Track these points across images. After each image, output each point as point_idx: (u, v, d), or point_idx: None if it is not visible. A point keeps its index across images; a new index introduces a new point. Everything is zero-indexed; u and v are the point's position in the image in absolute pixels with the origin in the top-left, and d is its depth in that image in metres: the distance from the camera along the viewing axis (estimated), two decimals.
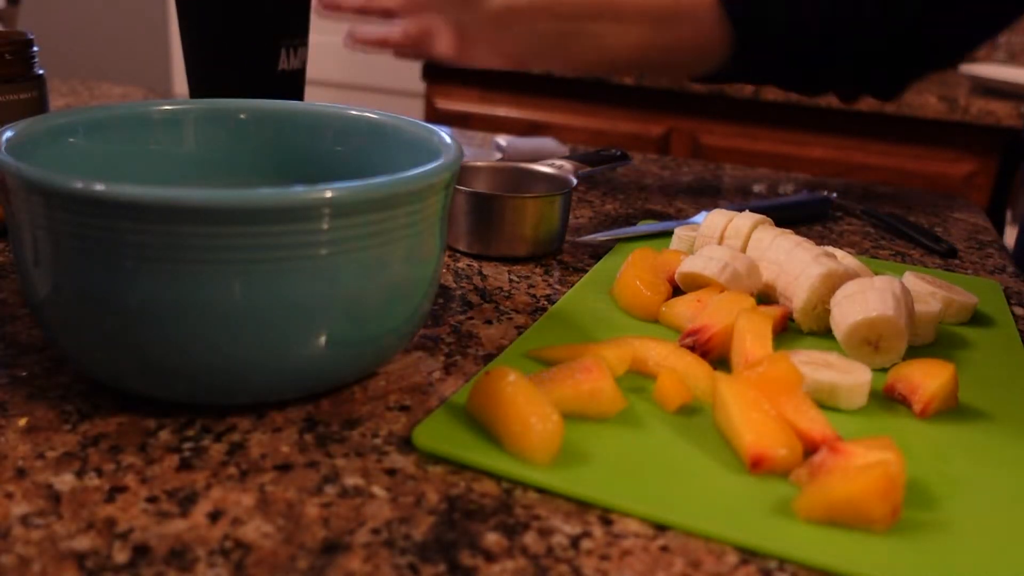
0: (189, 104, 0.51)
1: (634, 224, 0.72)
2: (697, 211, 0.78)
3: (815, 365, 0.44)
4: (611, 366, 0.42)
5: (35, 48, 0.61)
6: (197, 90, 0.66)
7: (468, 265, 0.60)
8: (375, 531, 0.33)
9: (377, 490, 0.35)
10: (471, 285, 0.57)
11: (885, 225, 0.77)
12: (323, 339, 0.38)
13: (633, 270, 0.53)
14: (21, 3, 1.57)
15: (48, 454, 0.36)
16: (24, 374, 0.42)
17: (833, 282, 0.50)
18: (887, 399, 0.45)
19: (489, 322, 0.51)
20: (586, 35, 0.66)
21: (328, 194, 0.35)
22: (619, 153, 0.76)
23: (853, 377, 0.43)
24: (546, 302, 0.55)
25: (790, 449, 0.37)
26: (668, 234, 0.67)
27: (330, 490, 0.35)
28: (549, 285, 0.58)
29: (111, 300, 0.35)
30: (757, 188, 0.89)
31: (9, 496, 0.33)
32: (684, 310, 0.50)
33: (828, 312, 0.50)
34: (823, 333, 0.51)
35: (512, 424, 0.37)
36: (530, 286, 0.57)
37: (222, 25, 0.63)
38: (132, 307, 0.35)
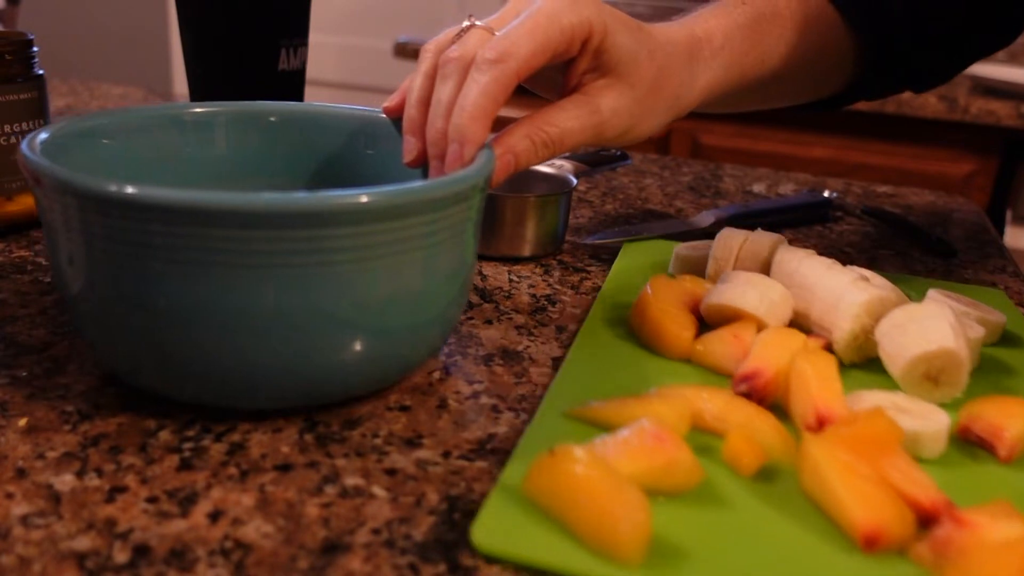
0: (221, 107, 0.50)
1: (634, 224, 0.72)
2: (697, 211, 0.78)
3: (889, 411, 0.38)
4: (673, 427, 0.37)
5: (35, 48, 0.60)
6: (197, 90, 0.66)
7: None
8: (375, 531, 0.33)
9: (377, 490, 0.35)
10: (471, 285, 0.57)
11: (885, 225, 0.77)
12: (353, 346, 0.37)
13: (655, 303, 0.48)
14: (21, 3, 1.57)
15: (48, 454, 0.36)
16: (24, 374, 0.42)
17: (876, 309, 0.46)
18: (962, 442, 0.41)
19: (489, 322, 0.51)
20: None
21: (364, 199, 0.34)
22: (619, 153, 0.76)
23: (933, 423, 0.39)
24: (546, 302, 0.55)
25: (904, 522, 0.33)
26: (669, 236, 0.67)
27: (330, 490, 0.35)
28: (549, 285, 0.58)
29: (141, 301, 0.35)
30: (757, 188, 0.89)
31: (9, 496, 0.33)
32: (723, 348, 0.45)
33: (871, 343, 0.46)
34: (864, 365, 0.47)
35: (592, 516, 0.31)
36: (530, 286, 0.57)
37: (222, 25, 0.63)
38: (161, 308, 0.35)
